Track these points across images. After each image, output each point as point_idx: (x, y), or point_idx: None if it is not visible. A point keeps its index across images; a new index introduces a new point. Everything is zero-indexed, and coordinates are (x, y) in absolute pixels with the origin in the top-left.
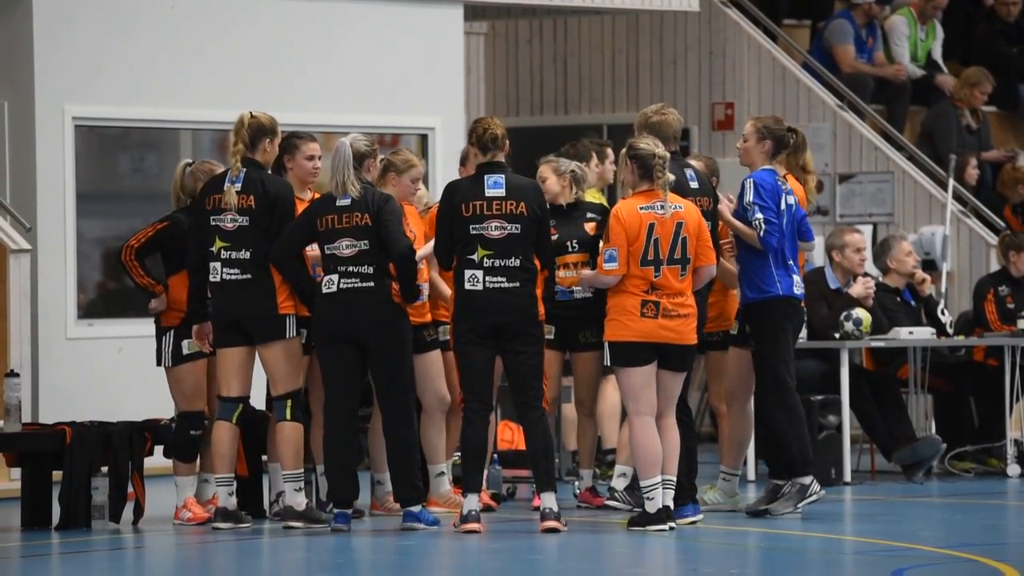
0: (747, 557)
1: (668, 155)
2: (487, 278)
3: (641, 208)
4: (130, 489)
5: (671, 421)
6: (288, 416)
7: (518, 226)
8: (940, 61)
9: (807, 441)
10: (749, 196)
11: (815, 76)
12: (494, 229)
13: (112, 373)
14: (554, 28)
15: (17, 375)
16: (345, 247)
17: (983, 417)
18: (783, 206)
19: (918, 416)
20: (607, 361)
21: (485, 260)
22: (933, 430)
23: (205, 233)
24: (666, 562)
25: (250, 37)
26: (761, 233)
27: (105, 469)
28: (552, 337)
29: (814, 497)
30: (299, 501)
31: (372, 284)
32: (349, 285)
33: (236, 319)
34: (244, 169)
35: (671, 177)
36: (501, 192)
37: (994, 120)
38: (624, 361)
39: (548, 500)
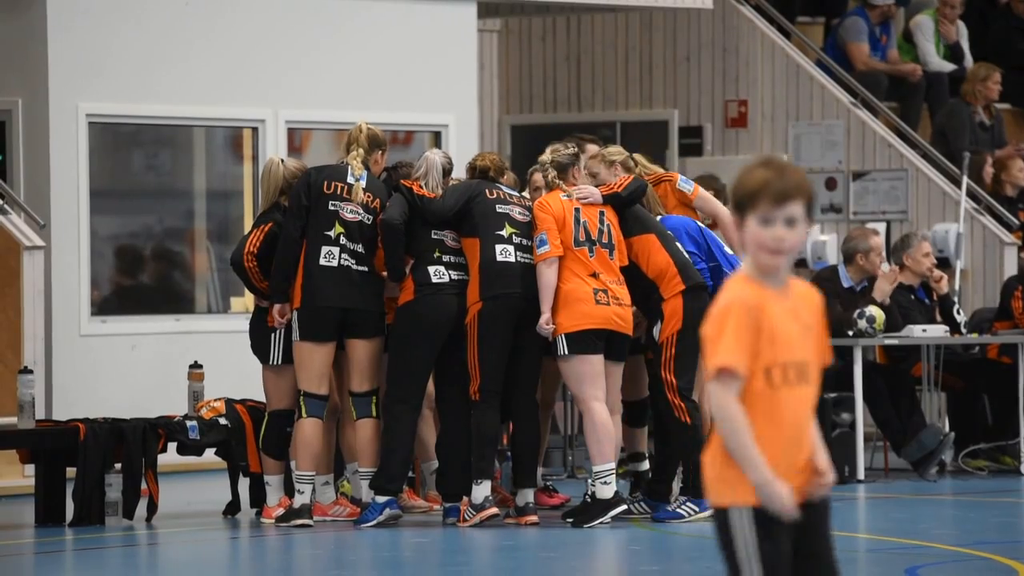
0: None
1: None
2: (518, 253)
3: (563, 196)
4: (144, 486)
5: (617, 418)
6: (373, 413)
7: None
8: (968, 54)
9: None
10: None
11: (829, 73)
12: (518, 213)
13: (125, 370)
14: (567, 25)
15: (31, 372)
16: (451, 239)
17: (997, 415)
18: None
19: (931, 414)
20: (562, 351)
21: (514, 237)
22: (947, 428)
23: (320, 216)
24: (676, 559)
25: (264, 34)
26: None
27: (119, 466)
28: None
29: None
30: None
31: (467, 277)
32: (459, 277)
33: (347, 307)
34: (366, 171)
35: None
36: (513, 191)
37: (1008, 117)
38: (580, 349)
39: (528, 496)
